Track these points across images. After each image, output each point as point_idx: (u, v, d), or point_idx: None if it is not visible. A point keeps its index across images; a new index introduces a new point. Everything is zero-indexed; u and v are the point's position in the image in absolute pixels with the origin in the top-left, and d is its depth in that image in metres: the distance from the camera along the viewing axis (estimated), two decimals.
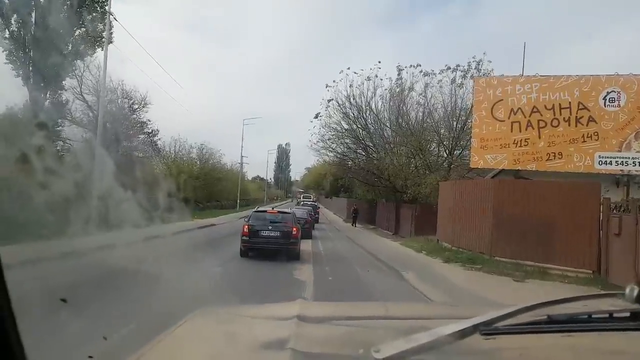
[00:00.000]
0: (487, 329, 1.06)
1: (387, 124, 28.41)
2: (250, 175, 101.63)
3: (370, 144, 29.29)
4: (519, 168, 14.67)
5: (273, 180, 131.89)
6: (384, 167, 26.67)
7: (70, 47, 25.84)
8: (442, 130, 25.60)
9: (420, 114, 26.84)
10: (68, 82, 26.13)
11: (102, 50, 26.40)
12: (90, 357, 2.43)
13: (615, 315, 1.20)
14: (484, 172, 22.92)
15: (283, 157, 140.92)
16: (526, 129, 14.61)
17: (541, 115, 14.49)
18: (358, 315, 1.76)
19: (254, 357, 1.21)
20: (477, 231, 13.81)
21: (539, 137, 14.45)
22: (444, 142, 25.40)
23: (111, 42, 23.02)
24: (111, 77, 32.49)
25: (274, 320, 1.62)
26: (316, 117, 29.97)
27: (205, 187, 42.93)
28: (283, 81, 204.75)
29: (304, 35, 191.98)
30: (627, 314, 1.17)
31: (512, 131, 14.75)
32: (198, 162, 49.04)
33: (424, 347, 0.93)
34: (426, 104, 26.12)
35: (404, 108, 27.10)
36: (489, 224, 13.08)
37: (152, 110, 36.54)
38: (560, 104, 14.32)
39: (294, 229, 13.32)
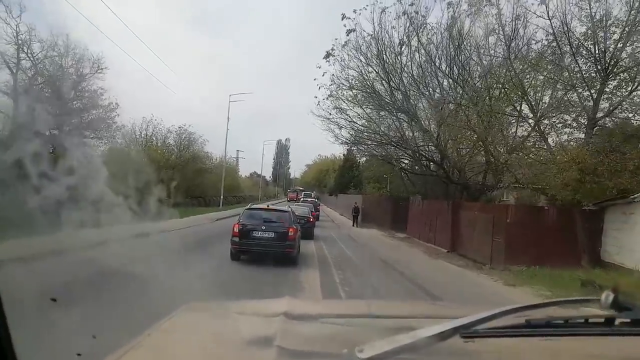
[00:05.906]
0: (467, 332, 1.07)
1: (446, 71, 18.03)
2: (247, 171, 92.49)
3: (409, 110, 19.16)
4: None
5: (272, 177, 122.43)
6: (441, 147, 17.04)
7: None
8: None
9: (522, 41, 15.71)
10: None
11: None
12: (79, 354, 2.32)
13: (590, 320, 1.23)
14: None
15: (282, 154, 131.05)
16: None
17: None
18: (343, 313, 1.79)
19: (240, 354, 1.19)
20: None
21: None
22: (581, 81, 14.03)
23: None
24: (52, 30, 24.41)
25: (261, 316, 1.64)
26: (326, 57, 19.63)
27: (183, 179, 34.16)
28: (286, 75, 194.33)
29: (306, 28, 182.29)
30: (602, 320, 1.20)
31: None
32: (176, 150, 39.92)
33: (405, 348, 0.93)
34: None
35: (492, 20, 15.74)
36: None
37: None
38: None
39: (291, 229, 11.94)
